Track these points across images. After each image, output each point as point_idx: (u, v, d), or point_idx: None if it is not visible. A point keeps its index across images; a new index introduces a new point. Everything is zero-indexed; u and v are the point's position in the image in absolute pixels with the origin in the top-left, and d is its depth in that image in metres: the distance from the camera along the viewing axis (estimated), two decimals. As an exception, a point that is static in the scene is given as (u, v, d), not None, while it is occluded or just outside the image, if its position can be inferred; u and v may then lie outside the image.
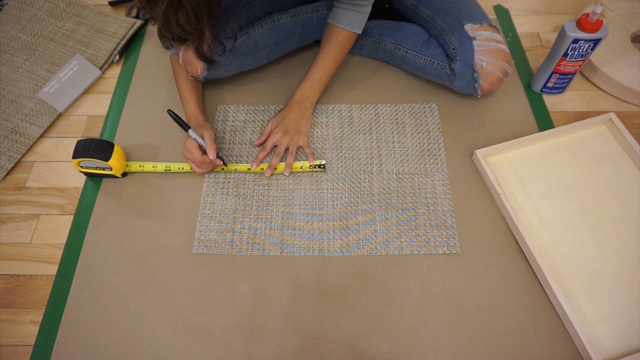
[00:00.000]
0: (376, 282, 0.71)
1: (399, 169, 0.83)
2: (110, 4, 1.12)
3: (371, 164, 0.84)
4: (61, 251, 0.77)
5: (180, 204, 0.80)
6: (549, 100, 0.92)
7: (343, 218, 0.78)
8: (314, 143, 0.87)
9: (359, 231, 0.76)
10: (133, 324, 0.69)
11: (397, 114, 0.90)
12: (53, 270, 0.75)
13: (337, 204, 0.79)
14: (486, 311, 0.68)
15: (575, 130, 0.84)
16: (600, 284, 0.69)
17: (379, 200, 0.79)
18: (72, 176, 0.85)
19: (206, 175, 0.83)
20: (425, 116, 0.89)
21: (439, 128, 0.87)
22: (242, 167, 0.83)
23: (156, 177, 0.83)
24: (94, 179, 0.84)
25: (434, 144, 0.86)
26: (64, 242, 0.78)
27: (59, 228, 0.79)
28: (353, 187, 0.81)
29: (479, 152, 0.81)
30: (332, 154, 0.85)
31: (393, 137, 0.87)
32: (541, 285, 0.70)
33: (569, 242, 0.73)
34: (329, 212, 0.78)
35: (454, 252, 0.73)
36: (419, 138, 0.86)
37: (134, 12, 1.10)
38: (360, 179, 0.82)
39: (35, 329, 0.70)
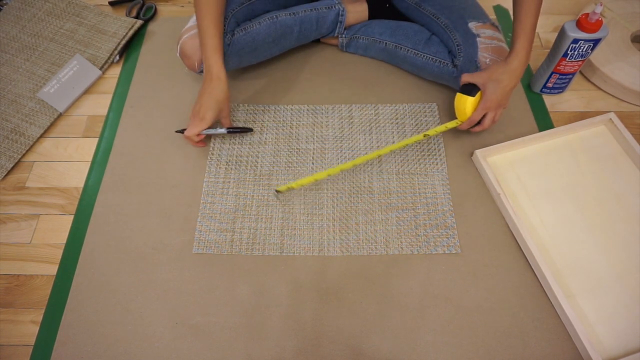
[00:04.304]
0: (376, 282, 0.71)
1: (398, 169, 0.83)
2: (110, 4, 1.12)
3: (371, 164, 0.84)
4: (61, 251, 0.77)
5: (180, 204, 0.80)
6: (549, 100, 0.92)
7: (343, 218, 0.78)
8: (313, 143, 0.87)
9: (359, 231, 0.76)
10: (133, 324, 0.69)
11: (397, 114, 0.90)
12: (53, 270, 0.75)
13: (337, 204, 0.79)
14: (486, 311, 0.68)
15: (575, 130, 0.84)
16: (600, 284, 0.69)
17: (379, 200, 0.79)
18: (72, 176, 0.85)
19: (206, 175, 0.83)
20: (425, 116, 0.89)
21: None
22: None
23: (156, 176, 0.83)
24: (94, 179, 0.84)
25: (434, 144, 0.85)
26: (64, 242, 0.78)
27: (59, 228, 0.79)
28: (353, 187, 0.81)
29: (479, 152, 0.81)
30: (332, 154, 0.85)
31: (393, 137, 0.87)
32: (541, 285, 0.70)
33: (569, 242, 0.73)
34: (328, 212, 0.78)
35: (454, 252, 0.74)
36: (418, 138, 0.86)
37: (134, 12, 1.10)
38: (360, 179, 0.82)
39: (35, 329, 0.70)
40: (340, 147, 0.86)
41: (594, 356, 0.62)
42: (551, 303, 0.68)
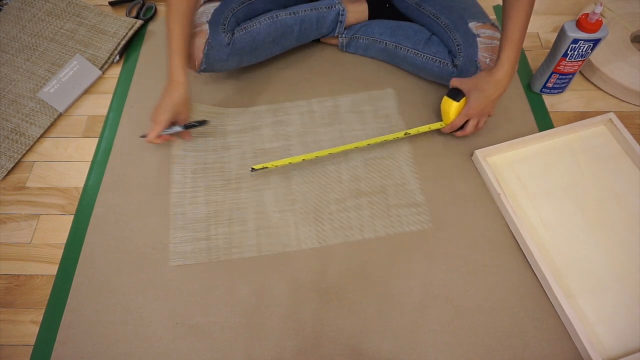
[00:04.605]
0: (376, 282, 0.71)
1: (364, 156, 0.84)
2: (111, 4, 1.12)
3: (337, 154, 0.84)
4: (61, 251, 0.77)
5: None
6: (549, 100, 0.92)
7: (316, 210, 0.78)
8: (277, 141, 0.86)
9: (333, 220, 0.77)
10: (133, 324, 0.69)
11: (355, 103, 0.92)
12: (53, 270, 0.75)
13: (308, 197, 0.80)
14: (486, 311, 0.68)
15: (575, 130, 0.84)
16: (600, 284, 0.69)
17: (348, 187, 0.81)
18: (72, 176, 0.85)
19: (173, 186, 0.81)
20: (383, 101, 0.91)
21: (398, 111, 0.89)
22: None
23: (156, 176, 0.83)
24: (94, 179, 0.84)
25: (395, 127, 0.87)
26: (64, 242, 0.78)
27: (59, 228, 0.79)
28: (322, 179, 0.82)
29: (478, 152, 0.81)
30: (298, 149, 0.85)
31: (355, 125, 0.88)
32: (541, 285, 0.70)
33: (569, 242, 0.73)
34: (301, 206, 0.79)
35: (426, 227, 0.76)
36: (379, 123, 0.88)
37: (134, 12, 1.10)
38: (328, 170, 0.83)
39: (35, 329, 0.70)
40: (304, 142, 0.86)
41: (594, 356, 0.62)
42: (551, 303, 0.68)
